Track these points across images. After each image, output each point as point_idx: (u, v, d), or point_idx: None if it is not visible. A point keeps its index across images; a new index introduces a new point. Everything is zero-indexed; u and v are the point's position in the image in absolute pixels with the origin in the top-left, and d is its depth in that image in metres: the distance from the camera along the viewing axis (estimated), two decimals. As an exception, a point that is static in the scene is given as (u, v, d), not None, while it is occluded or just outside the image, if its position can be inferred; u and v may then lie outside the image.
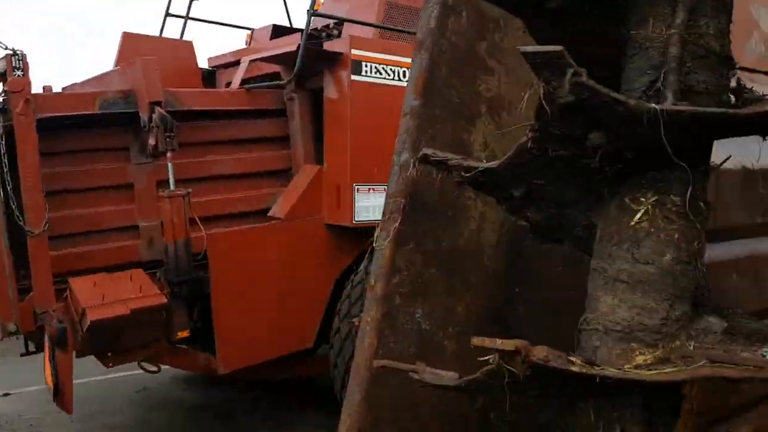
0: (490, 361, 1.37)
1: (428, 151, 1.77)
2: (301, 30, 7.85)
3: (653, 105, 1.32)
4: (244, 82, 6.70)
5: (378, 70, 6.08)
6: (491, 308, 2.15)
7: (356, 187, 5.94)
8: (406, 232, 1.91)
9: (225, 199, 6.09)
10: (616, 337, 1.56)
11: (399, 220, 1.89)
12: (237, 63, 7.27)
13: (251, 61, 6.55)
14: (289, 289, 5.88)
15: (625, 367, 1.48)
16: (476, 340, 1.46)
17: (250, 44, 8.02)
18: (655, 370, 1.40)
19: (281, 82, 6.33)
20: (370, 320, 1.87)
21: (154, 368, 5.79)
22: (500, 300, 2.19)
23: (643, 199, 1.56)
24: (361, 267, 5.95)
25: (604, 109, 1.34)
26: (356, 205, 5.94)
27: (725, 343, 1.52)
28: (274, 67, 6.62)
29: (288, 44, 6.66)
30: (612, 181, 1.57)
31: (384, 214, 1.93)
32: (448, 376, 1.57)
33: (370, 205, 6.04)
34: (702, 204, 1.55)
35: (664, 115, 1.31)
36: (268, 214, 6.15)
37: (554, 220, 1.75)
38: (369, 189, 6.05)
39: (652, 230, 1.55)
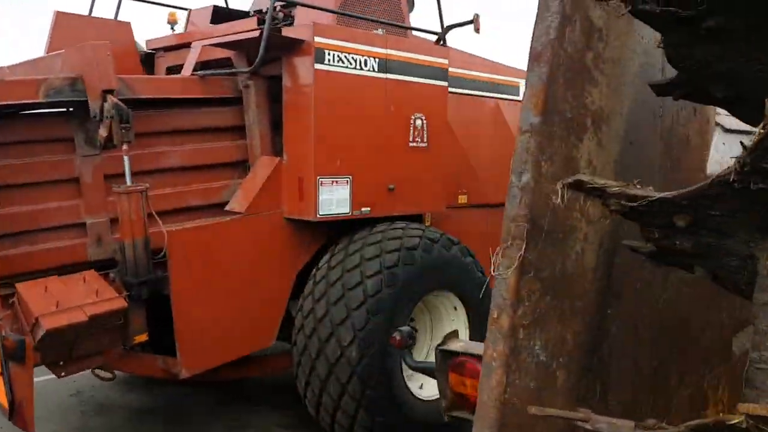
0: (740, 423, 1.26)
1: (584, 177, 1.63)
2: (242, 12, 7.45)
3: None
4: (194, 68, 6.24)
5: (341, 59, 5.84)
6: (591, 333, 2.05)
7: (320, 179, 5.70)
8: (528, 259, 1.76)
9: (177, 193, 5.69)
10: None
11: (524, 247, 1.74)
12: (179, 47, 6.79)
13: (207, 45, 6.11)
14: (251, 286, 5.61)
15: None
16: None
17: (187, 27, 7.51)
18: None
19: (239, 70, 5.95)
20: (497, 356, 1.72)
21: (110, 375, 5.36)
22: (598, 323, 2.09)
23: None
24: (323, 262, 5.76)
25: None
26: (320, 198, 5.72)
27: None
28: (224, 52, 6.23)
29: (242, 28, 6.28)
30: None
31: (505, 240, 1.77)
32: (626, 426, 1.45)
33: (333, 198, 5.83)
34: None
35: None
36: (226, 208, 5.80)
37: (705, 249, 1.67)
38: (333, 182, 5.83)
39: None
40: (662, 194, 1.55)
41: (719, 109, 2.94)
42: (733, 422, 1.33)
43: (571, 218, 1.93)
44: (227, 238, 5.53)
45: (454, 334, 2.47)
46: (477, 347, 2.33)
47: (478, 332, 6.09)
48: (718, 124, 3.19)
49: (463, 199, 7.06)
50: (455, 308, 6.04)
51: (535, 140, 1.80)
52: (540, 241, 1.82)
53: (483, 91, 7.39)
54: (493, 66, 7.59)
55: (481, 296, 6.15)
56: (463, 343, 2.38)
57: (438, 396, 5.69)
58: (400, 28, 6.53)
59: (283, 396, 6.87)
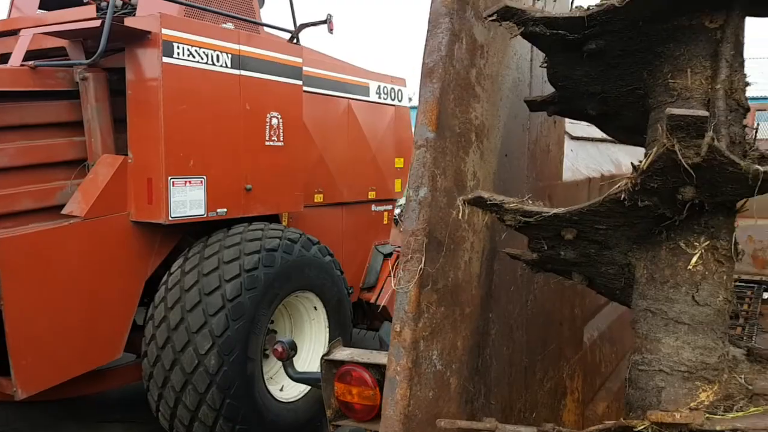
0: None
1: (484, 194, 1.67)
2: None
3: (758, 167, 1.41)
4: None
5: (192, 54, 5.57)
6: (477, 338, 2.13)
7: (171, 180, 5.41)
8: (427, 271, 1.79)
9: (6, 195, 5.11)
10: (680, 377, 1.67)
11: (423, 260, 1.76)
12: (2, 34, 6.10)
13: (40, 33, 5.53)
14: (93, 296, 5.20)
15: (691, 405, 1.59)
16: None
17: (10, 12, 6.77)
18: (730, 413, 1.53)
19: (76, 62, 5.47)
20: (401, 370, 1.73)
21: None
22: (482, 327, 2.18)
23: (696, 244, 1.68)
24: (176, 267, 5.49)
25: (719, 168, 1.40)
26: (171, 200, 5.42)
27: (758, 371, 1.73)
28: (57, 41, 5.70)
29: (77, 16, 5.76)
30: (670, 227, 1.65)
31: (405, 254, 1.78)
32: (529, 432, 1.52)
33: (187, 199, 5.56)
34: (738, 246, 1.72)
35: (763, 174, 1.42)
36: (63, 212, 5.32)
37: (587, 258, 1.80)
38: (186, 182, 5.56)
39: (707, 273, 1.68)
40: (555, 210, 1.64)
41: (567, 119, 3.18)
42: (639, 429, 1.44)
43: (461, 229, 1.99)
44: (65, 245, 5.06)
45: (338, 343, 2.45)
46: (363, 355, 2.33)
47: (337, 329, 6.12)
48: (566, 133, 3.45)
49: (319, 198, 7.04)
50: (315, 308, 6.02)
51: (430, 154, 1.83)
52: (437, 254, 1.85)
53: (335, 90, 7.41)
54: (344, 66, 7.64)
55: (339, 297, 6.19)
56: (348, 351, 2.37)
57: (299, 397, 5.75)
58: (252, 23, 6.35)
59: (133, 409, 6.45)
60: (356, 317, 7.33)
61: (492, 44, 2.16)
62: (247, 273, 5.25)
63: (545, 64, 1.92)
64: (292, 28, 6.74)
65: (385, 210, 8.14)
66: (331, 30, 6.68)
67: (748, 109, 1.76)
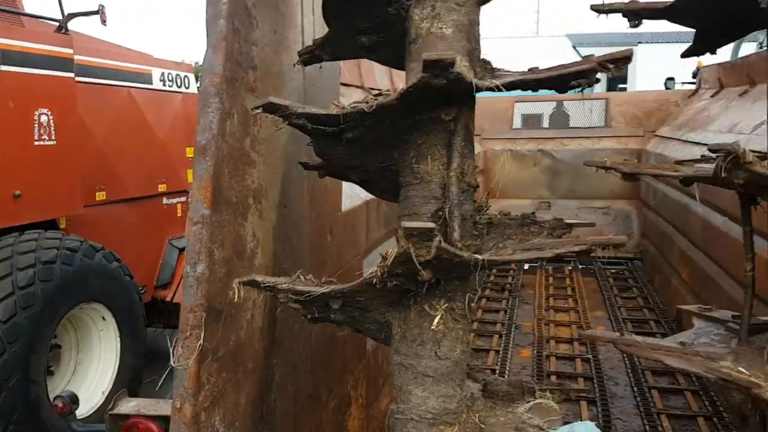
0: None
1: (258, 277, 1.81)
2: None
3: (478, 256, 1.72)
4: None
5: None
6: (261, 387, 2.29)
7: None
8: (206, 345, 1.91)
9: None
10: (427, 424, 1.96)
11: (202, 336, 1.87)
12: None
13: None
14: None
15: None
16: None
17: None
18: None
19: None
20: (179, 447, 1.84)
21: None
22: (266, 376, 2.34)
23: (438, 306, 1.97)
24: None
25: (447, 260, 1.69)
26: None
27: (490, 407, 2.08)
28: None
29: None
30: (416, 294, 1.92)
31: (184, 330, 1.87)
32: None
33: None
34: (473, 305, 2.04)
35: (483, 262, 1.74)
36: None
37: (352, 319, 2.03)
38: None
39: (447, 331, 1.98)
40: (322, 290, 1.83)
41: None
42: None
43: (243, 289, 2.11)
44: None
45: (123, 394, 2.47)
46: (149, 407, 2.38)
47: (129, 337, 5.94)
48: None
49: (101, 195, 6.66)
50: (103, 318, 5.77)
51: (206, 230, 1.92)
52: (216, 325, 1.97)
53: (114, 80, 6.99)
54: (123, 53, 7.22)
55: (130, 303, 5.99)
56: (134, 403, 2.41)
57: (91, 414, 5.52)
58: (14, 14, 5.74)
59: None
60: (152, 317, 7.13)
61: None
62: (22, 290, 4.89)
63: (311, 144, 2.09)
64: (60, 17, 6.20)
65: (178, 202, 7.93)
66: (104, 21, 6.26)
67: (477, 187, 2.09)
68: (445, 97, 1.91)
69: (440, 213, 1.98)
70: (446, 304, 1.96)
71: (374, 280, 1.74)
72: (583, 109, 10.39)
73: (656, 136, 9.25)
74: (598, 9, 2.12)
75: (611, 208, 10.00)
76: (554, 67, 1.92)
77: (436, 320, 1.94)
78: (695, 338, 2.15)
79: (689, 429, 4.60)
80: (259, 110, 1.85)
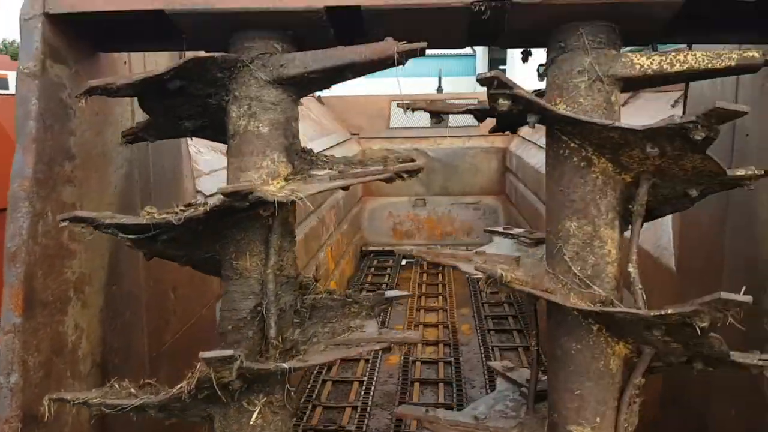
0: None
1: (67, 395, 1.83)
2: None
3: (284, 365, 1.86)
4: None
5: None
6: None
7: None
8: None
9: None
10: None
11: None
12: None
13: None
14: None
15: None
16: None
17: None
18: None
19: None
20: None
21: None
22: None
23: (256, 401, 2.06)
24: None
25: (254, 373, 1.80)
26: None
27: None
28: None
29: None
30: (234, 393, 2.01)
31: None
32: None
33: None
34: (293, 395, 2.16)
35: (290, 369, 1.87)
36: None
37: (177, 414, 2.09)
38: None
39: (266, 424, 2.08)
40: (133, 403, 1.89)
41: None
42: None
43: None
44: None
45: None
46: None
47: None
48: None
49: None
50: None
51: (19, 339, 1.91)
52: (35, 428, 1.97)
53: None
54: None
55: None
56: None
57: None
58: None
59: None
60: None
61: (86, 194, 2.27)
62: None
63: (128, 244, 2.12)
64: None
65: None
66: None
67: (298, 275, 2.20)
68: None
69: (258, 309, 2.08)
70: (264, 398, 2.07)
71: (182, 395, 1.82)
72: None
73: (518, 136, 9.77)
74: (403, 106, 2.27)
75: (481, 203, 10.49)
76: (358, 172, 2.06)
77: (254, 416, 2.05)
78: (493, 404, 2.39)
79: None
80: (66, 223, 1.86)
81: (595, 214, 2.07)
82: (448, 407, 5.53)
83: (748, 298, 1.64)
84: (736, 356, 1.90)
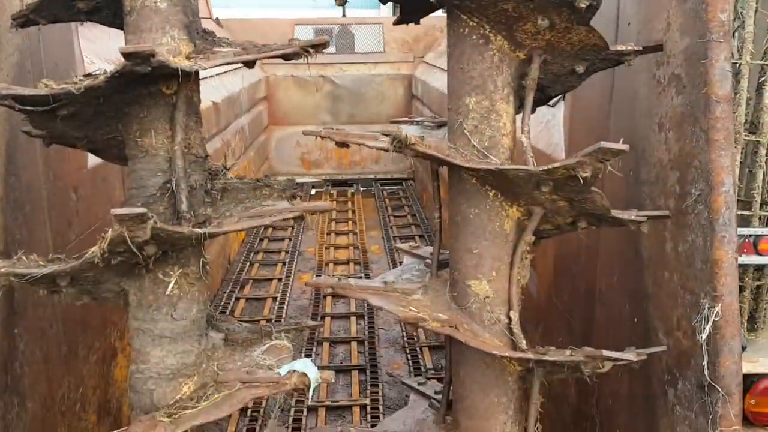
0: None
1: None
2: None
3: (198, 230, 1.89)
4: None
5: None
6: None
7: None
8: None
9: None
10: (167, 379, 2.10)
11: None
12: None
13: None
14: None
15: (176, 397, 2.08)
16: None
17: None
18: (203, 401, 2.05)
19: None
20: None
21: None
22: (8, 348, 2.35)
23: (171, 273, 2.08)
24: None
25: (167, 236, 1.83)
26: None
27: (229, 354, 2.28)
28: None
29: None
30: (147, 264, 2.02)
31: None
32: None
33: None
34: (208, 268, 2.20)
35: (205, 235, 1.91)
36: None
37: (87, 292, 2.08)
38: None
39: (182, 294, 2.11)
40: (44, 271, 1.88)
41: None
42: None
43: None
44: None
45: None
46: None
47: None
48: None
49: None
50: None
51: None
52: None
53: None
54: None
55: None
56: None
57: None
58: None
59: None
60: None
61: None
62: None
63: (26, 119, 2.05)
64: None
65: None
66: None
67: (206, 157, 2.22)
68: (160, 76, 1.98)
69: (168, 185, 2.09)
70: (180, 270, 2.10)
71: (95, 260, 1.83)
72: (366, 32, 10.62)
73: (423, 62, 9.87)
74: None
75: (388, 132, 10.58)
76: (263, 47, 2.08)
77: (171, 286, 2.09)
78: (401, 274, 2.55)
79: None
80: None
81: (492, 89, 2.20)
82: (361, 317, 5.75)
83: (626, 147, 1.83)
84: (616, 213, 2.11)
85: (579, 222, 2.20)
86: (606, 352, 1.99)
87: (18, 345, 2.44)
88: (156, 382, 2.12)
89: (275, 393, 2.08)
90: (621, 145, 1.83)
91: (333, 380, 2.81)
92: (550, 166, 1.93)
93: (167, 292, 2.10)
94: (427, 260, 2.55)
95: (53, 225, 2.78)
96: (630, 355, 2.02)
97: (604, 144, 1.82)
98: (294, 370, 2.14)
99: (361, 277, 6.52)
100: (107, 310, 3.36)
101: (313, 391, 2.15)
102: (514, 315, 2.19)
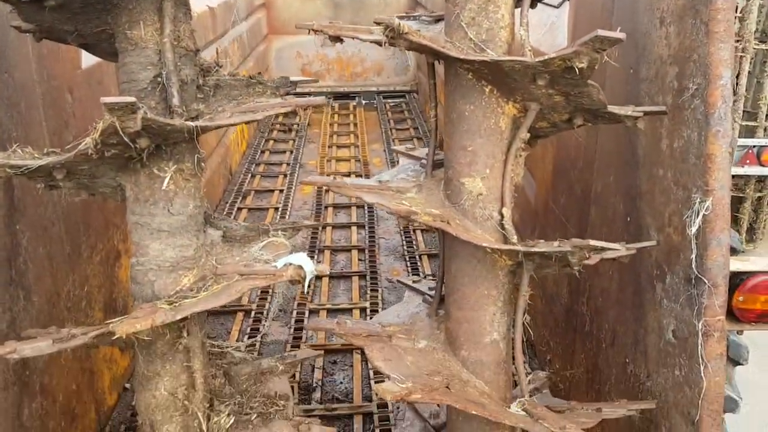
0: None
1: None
2: None
3: (190, 123, 1.88)
4: None
5: None
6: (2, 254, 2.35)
7: None
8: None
9: None
10: (167, 271, 2.15)
11: None
12: None
13: None
14: None
15: (177, 288, 2.14)
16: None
17: None
18: (203, 291, 2.10)
19: None
20: None
21: None
22: (12, 242, 2.40)
23: (167, 168, 2.09)
24: None
25: (159, 128, 1.82)
26: None
27: (228, 250, 2.33)
28: None
29: None
30: (143, 158, 2.03)
31: None
32: (45, 344, 1.92)
33: None
34: (203, 164, 2.20)
35: (197, 128, 1.90)
36: None
37: (84, 186, 2.10)
38: None
39: (178, 190, 2.13)
40: (39, 162, 1.89)
41: None
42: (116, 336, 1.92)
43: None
44: None
45: None
46: None
47: None
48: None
49: None
50: None
51: None
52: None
53: None
54: None
55: None
56: None
57: None
58: None
59: None
60: None
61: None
62: None
63: (14, 11, 2.01)
64: None
65: None
66: None
67: (197, 51, 2.18)
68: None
69: (159, 79, 2.07)
70: (175, 166, 2.12)
71: (89, 152, 1.83)
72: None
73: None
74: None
75: (391, 42, 10.34)
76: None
77: (166, 181, 2.10)
78: (396, 174, 2.56)
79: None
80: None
81: (490, -22, 2.13)
82: (362, 227, 5.81)
83: (622, 35, 1.79)
84: (612, 108, 2.09)
85: (575, 118, 2.18)
86: (593, 242, 2.01)
87: (21, 241, 2.49)
88: (156, 274, 2.17)
89: (272, 283, 2.13)
90: (617, 34, 1.78)
91: (328, 273, 2.84)
92: (546, 57, 1.89)
93: (163, 187, 2.12)
94: (423, 161, 2.55)
95: (50, 126, 2.77)
96: (616, 245, 2.05)
97: (600, 32, 1.77)
98: (290, 263, 2.19)
99: (362, 188, 6.55)
100: (109, 212, 3.41)
101: (308, 283, 2.20)
102: (507, 211, 2.21)
